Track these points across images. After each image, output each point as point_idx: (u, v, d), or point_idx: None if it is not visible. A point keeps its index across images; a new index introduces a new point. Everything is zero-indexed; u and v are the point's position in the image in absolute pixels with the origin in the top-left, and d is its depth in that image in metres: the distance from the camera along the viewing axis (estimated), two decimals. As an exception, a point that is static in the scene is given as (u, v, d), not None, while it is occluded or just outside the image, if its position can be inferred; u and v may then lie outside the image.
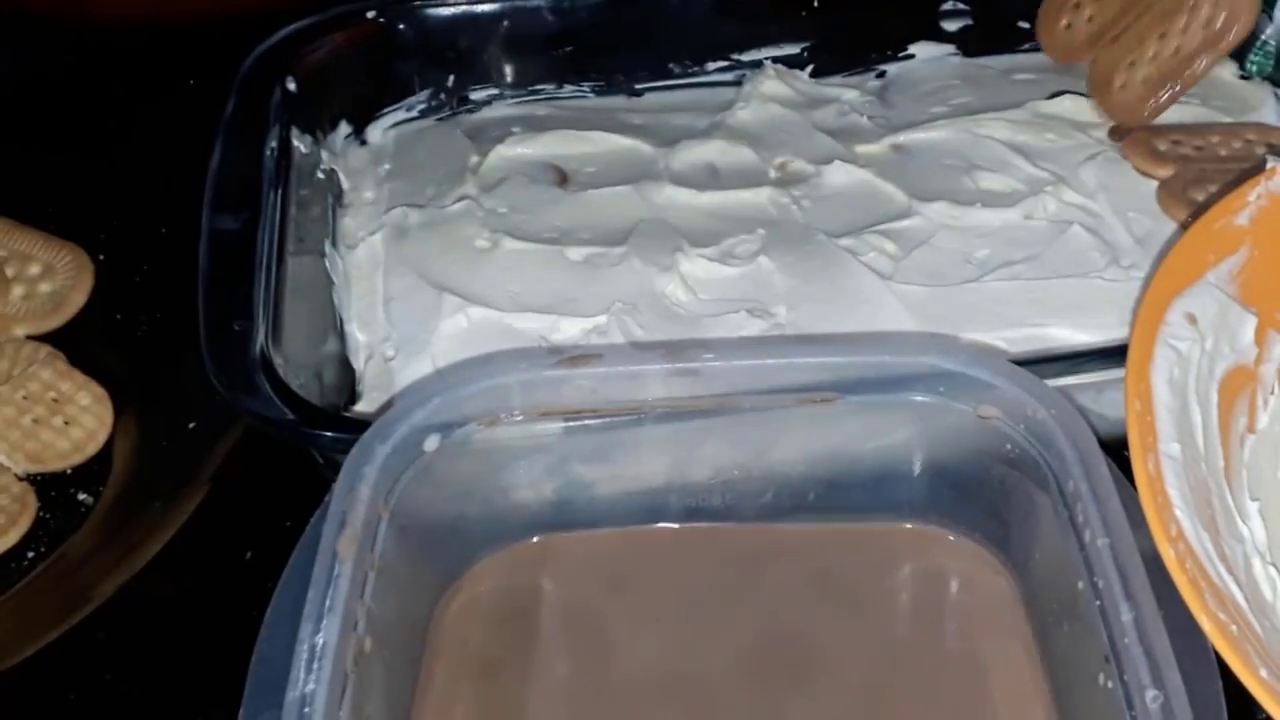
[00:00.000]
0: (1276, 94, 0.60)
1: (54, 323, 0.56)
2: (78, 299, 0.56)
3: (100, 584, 0.46)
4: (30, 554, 0.49)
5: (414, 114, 0.62)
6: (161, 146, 0.61)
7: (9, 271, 0.56)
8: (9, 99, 0.65)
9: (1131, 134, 0.57)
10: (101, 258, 0.58)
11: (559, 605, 0.42)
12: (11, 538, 0.48)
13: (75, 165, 0.62)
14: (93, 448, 0.51)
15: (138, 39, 0.67)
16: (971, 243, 0.54)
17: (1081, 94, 0.60)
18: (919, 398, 0.40)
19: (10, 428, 0.51)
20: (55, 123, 0.64)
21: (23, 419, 0.51)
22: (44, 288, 0.56)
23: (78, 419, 0.51)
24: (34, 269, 0.57)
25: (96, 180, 0.62)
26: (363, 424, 0.40)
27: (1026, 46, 0.64)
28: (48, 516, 0.50)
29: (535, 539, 0.43)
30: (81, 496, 0.51)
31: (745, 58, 0.63)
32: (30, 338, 0.55)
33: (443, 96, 0.62)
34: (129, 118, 0.65)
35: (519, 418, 0.41)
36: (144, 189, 0.60)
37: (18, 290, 0.56)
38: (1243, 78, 0.61)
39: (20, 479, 0.51)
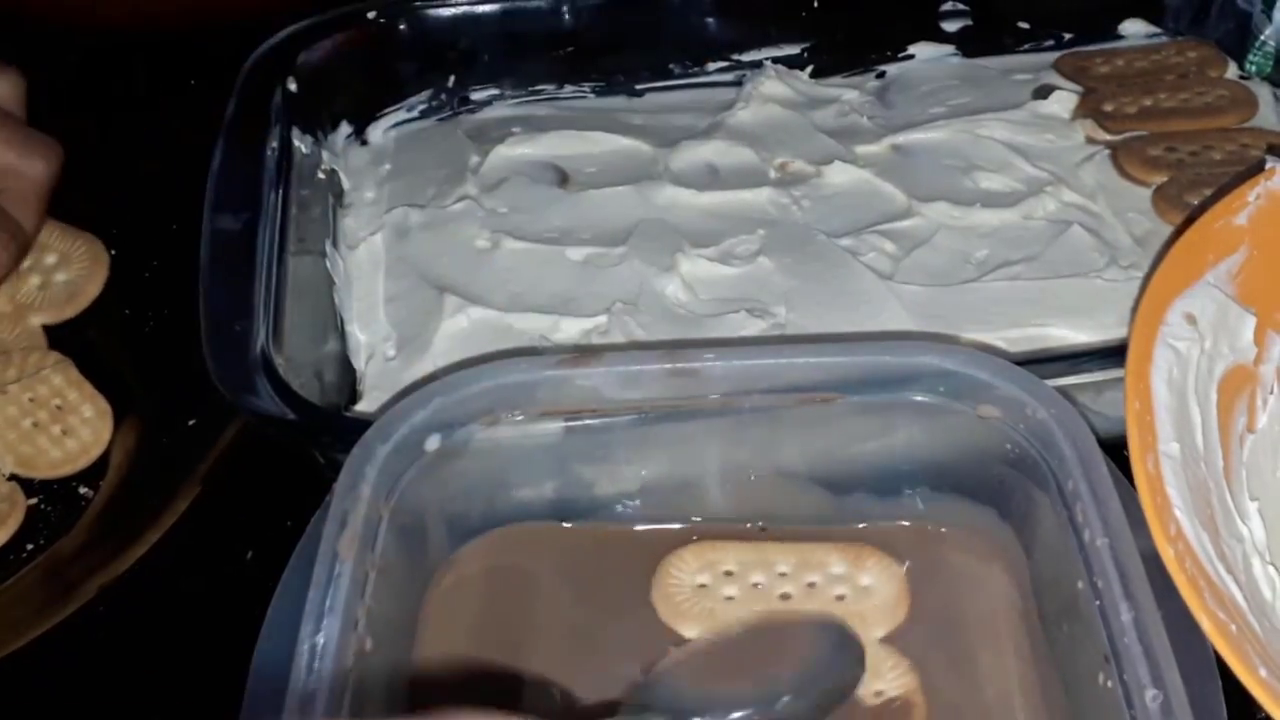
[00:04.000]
0: (1276, 94, 0.60)
1: (69, 312, 0.56)
2: (92, 290, 0.56)
3: (97, 580, 0.46)
4: (29, 546, 0.49)
5: (415, 114, 0.62)
6: (164, 146, 0.61)
7: (25, 262, 0.56)
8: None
9: (1125, 143, 0.57)
10: (114, 253, 0.58)
11: (561, 623, 0.42)
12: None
13: (80, 164, 0.62)
14: (84, 461, 0.51)
15: (137, 39, 0.67)
16: (971, 243, 0.54)
17: (1077, 93, 0.60)
18: (919, 398, 0.41)
19: (9, 428, 0.51)
20: (57, 122, 0.64)
21: (24, 421, 0.51)
22: (60, 277, 0.56)
23: (76, 430, 0.51)
24: (50, 258, 0.57)
25: (102, 179, 0.62)
26: (363, 424, 0.40)
27: (1026, 46, 0.65)
28: (47, 509, 0.50)
29: (529, 524, 0.43)
30: (82, 490, 0.51)
31: (745, 58, 0.64)
32: (45, 327, 0.55)
33: (443, 97, 0.62)
34: (130, 118, 0.65)
35: (519, 418, 0.41)
36: (149, 188, 0.60)
37: (34, 280, 0.56)
38: (1243, 78, 0.61)
39: (7, 479, 0.51)
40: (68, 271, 0.56)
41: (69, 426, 0.51)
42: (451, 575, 0.42)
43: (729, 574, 0.42)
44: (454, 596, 0.42)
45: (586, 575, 0.42)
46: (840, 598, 0.41)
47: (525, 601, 0.42)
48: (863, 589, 0.41)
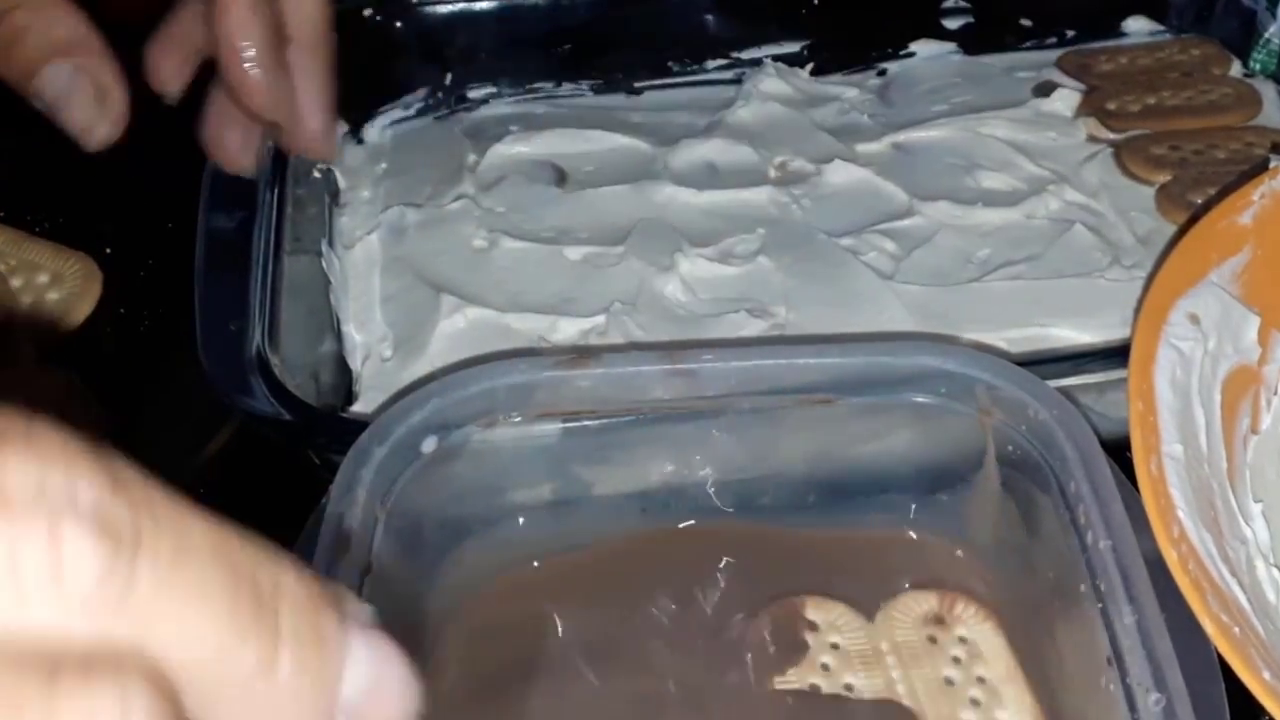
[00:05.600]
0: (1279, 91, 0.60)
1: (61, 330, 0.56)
2: (85, 308, 0.56)
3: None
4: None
5: (411, 112, 0.62)
6: (162, 145, 0.61)
7: (16, 282, 0.56)
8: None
9: (1128, 141, 0.57)
10: (108, 251, 0.58)
11: (562, 626, 0.41)
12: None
13: (76, 162, 0.62)
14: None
15: (133, 35, 0.67)
16: (973, 242, 0.54)
17: (1080, 91, 0.60)
18: (919, 398, 0.40)
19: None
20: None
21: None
22: (52, 296, 0.56)
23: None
24: (42, 278, 0.57)
25: (96, 177, 0.61)
26: (360, 425, 0.39)
27: (1028, 44, 0.64)
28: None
29: (536, 563, 0.43)
30: (79, 490, 0.51)
31: (745, 56, 0.63)
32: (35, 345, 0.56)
33: (440, 95, 0.62)
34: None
35: (517, 419, 0.40)
36: (143, 186, 0.60)
37: (25, 299, 0.56)
38: (1247, 76, 0.60)
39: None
40: (60, 290, 0.56)
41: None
42: (466, 615, 0.42)
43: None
44: (468, 634, 0.42)
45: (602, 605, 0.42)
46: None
47: (534, 641, 0.41)
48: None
